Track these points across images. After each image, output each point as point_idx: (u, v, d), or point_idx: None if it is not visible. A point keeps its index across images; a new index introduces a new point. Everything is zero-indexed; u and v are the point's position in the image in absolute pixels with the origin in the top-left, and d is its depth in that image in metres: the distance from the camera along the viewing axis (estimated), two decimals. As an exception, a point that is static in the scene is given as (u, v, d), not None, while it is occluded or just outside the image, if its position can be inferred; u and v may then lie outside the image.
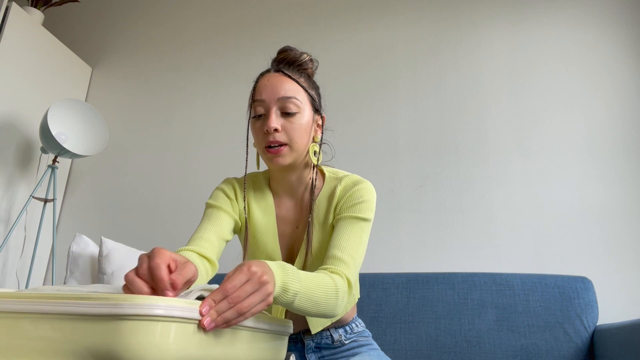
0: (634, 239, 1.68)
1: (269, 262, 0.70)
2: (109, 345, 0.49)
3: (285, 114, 0.94)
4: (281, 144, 0.94)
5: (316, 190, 1.04)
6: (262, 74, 1.00)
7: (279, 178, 1.04)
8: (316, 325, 1.02)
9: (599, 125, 1.84)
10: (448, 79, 2.05)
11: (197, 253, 0.92)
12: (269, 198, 1.05)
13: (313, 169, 1.03)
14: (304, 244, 0.99)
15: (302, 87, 0.98)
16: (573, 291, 1.50)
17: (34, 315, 0.53)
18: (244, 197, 1.04)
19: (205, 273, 0.91)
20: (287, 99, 0.94)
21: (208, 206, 1.02)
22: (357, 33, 2.24)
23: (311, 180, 1.03)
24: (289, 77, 0.97)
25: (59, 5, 2.46)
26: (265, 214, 1.04)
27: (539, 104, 1.92)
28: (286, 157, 0.95)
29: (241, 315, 0.60)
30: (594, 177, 1.78)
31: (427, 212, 1.89)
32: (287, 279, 0.72)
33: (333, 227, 0.99)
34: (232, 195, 1.04)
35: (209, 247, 0.94)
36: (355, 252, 0.91)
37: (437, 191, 1.90)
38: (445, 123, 1.99)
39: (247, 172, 1.09)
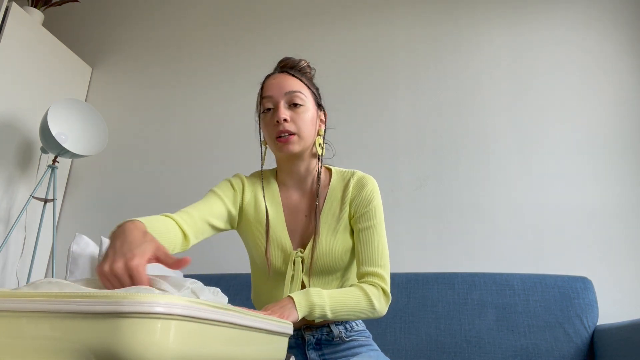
0: (634, 239, 1.68)
1: (292, 294, 0.91)
2: (109, 343, 0.48)
3: (293, 105, 1.04)
4: (291, 133, 1.03)
5: (326, 182, 1.12)
6: (268, 76, 1.10)
7: (288, 169, 1.11)
8: None
9: (598, 126, 1.83)
10: (448, 79, 2.04)
11: (175, 221, 0.95)
12: (275, 190, 1.13)
13: (319, 160, 1.11)
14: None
15: (305, 84, 1.08)
16: (573, 291, 1.50)
17: (33, 314, 0.53)
18: (259, 194, 1.12)
19: (173, 240, 0.92)
20: (293, 92, 1.04)
21: (209, 191, 1.09)
22: (357, 33, 2.24)
23: (317, 171, 1.11)
24: (293, 75, 1.07)
25: (59, 5, 2.46)
26: (273, 206, 1.11)
27: (539, 104, 1.92)
28: (295, 145, 1.03)
29: None
30: (594, 177, 1.78)
31: (427, 212, 1.89)
32: (310, 298, 0.91)
33: (347, 217, 1.08)
34: (238, 187, 1.11)
35: (189, 220, 0.97)
36: (380, 259, 1.03)
37: (437, 191, 1.90)
38: (445, 123, 1.98)
39: (255, 171, 1.18)
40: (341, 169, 1.16)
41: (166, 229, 0.90)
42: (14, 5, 2.13)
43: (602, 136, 1.82)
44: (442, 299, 1.57)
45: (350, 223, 1.09)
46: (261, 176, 1.15)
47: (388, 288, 1.02)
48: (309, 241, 1.07)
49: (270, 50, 2.30)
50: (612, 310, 1.56)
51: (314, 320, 1.02)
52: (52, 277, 1.96)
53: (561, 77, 1.93)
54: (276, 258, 1.06)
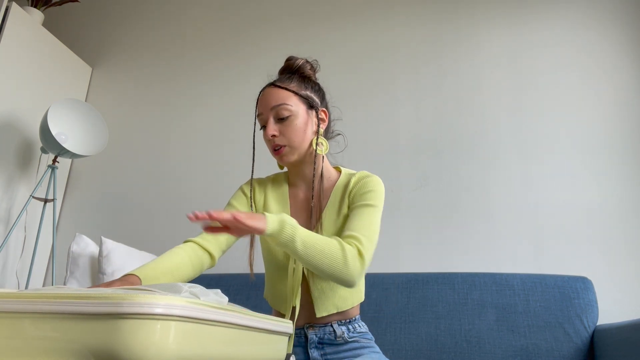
0: (634, 239, 1.68)
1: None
2: (109, 344, 0.49)
3: (280, 120, 1.08)
4: (282, 146, 1.08)
5: (331, 182, 1.16)
6: (260, 91, 1.14)
7: (295, 172, 1.17)
8: (322, 309, 1.06)
9: (598, 126, 1.83)
10: (448, 78, 2.04)
11: (199, 245, 1.06)
12: (285, 190, 1.19)
13: (322, 160, 1.14)
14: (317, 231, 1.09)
15: (292, 91, 1.10)
16: (573, 291, 1.50)
17: (34, 315, 0.53)
18: (251, 196, 1.18)
19: (199, 264, 1.05)
20: (277, 106, 1.08)
21: (227, 204, 1.18)
22: (358, 33, 2.24)
23: (321, 169, 1.14)
24: (278, 86, 1.10)
25: (59, 5, 2.46)
26: (280, 204, 1.17)
27: (538, 104, 1.92)
28: (289, 156, 1.10)
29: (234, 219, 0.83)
30: (594, 177, 1.78)
31: (427, 212, 1.89)
32: (283, 217, 0.91)
33: (347, 208, 1.10)
34: (248, 193, 1.19)
35: (213, 241, 1.08)
36: (365, 230, 1.00)
37: (437, 191, 1.90)
38: (445, 123, 1.98)
39: (274, 173, 1.25)
40: (350, 170, 1.19)
41: (182, 262, 1.00)
42: (14, 5, 2.13)
43: (602, 136, 1.82)
44: (442, 299, 1.57)
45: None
46: (251, 184, 1.20)
47: (367, 254, 0.96)
48: None
49: (270, 50, 2.30)
50: (612, 310, 1.56)
51: (315, 315, 1.05)
52: (53, 276, 1.96)
53: (561, 77, 1.93)
54: (279, 252, 1.10)
